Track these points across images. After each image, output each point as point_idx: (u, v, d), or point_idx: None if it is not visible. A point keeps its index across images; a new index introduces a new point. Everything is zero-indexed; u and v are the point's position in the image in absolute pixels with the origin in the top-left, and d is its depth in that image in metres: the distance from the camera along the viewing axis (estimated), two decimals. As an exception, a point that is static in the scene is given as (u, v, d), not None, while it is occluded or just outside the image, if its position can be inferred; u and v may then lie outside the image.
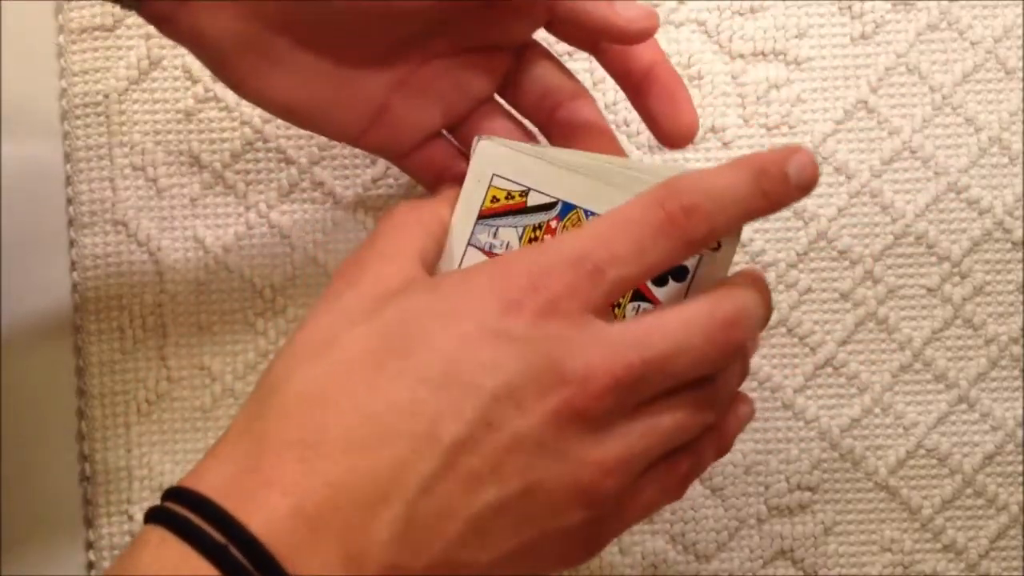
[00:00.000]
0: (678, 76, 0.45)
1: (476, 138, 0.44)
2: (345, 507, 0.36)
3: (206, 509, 0.36)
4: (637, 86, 0.45)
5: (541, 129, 0.48)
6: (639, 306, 0.43)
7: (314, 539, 0.36)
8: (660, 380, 0.39)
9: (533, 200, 0.43)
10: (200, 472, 0.38)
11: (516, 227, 0.43)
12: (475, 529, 0.37)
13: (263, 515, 0.36)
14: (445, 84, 0.46)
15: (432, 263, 0.42)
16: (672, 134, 0.45)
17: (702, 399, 0.41)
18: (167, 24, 0.43)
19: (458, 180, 0.46)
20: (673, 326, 0.39)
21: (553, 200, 0.43)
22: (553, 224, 0.43)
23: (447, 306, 0.38)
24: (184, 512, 0.36)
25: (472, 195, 0.43)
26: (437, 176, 0.48)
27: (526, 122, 0.48)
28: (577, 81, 0.47)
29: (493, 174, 0.43)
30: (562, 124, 0.47)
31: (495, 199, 0.43)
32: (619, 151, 0.46)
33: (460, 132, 0.48)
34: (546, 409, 0.38)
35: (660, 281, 0.43)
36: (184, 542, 0.36)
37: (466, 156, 0.49)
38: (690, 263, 0.42)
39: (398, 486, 0.37)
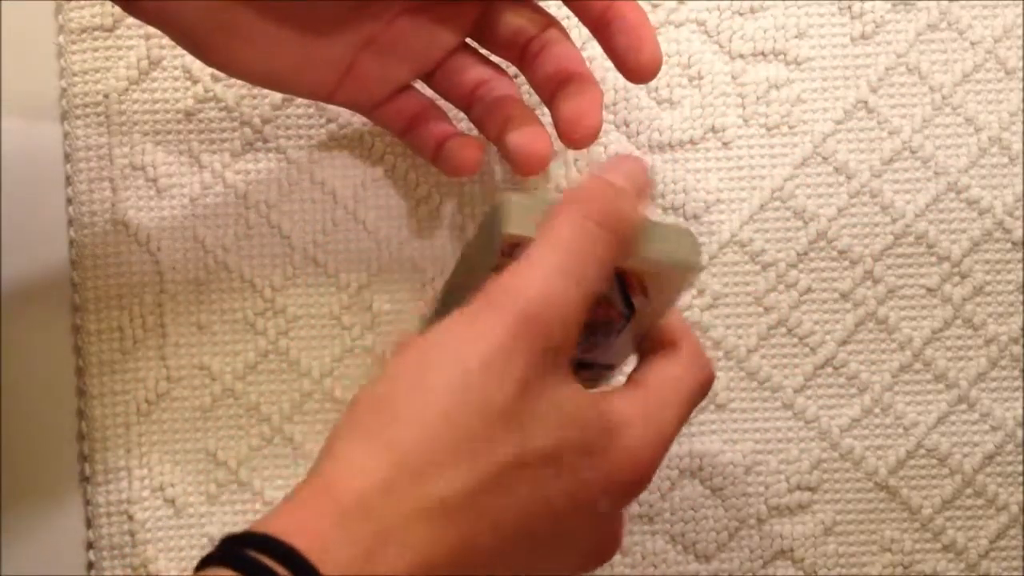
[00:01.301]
0: (640, 10, 0.45)
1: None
2: None
3: None
4: (597, 22, 0.45)
5: (518, 67, 0.48)
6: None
7: None
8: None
9: None
10: (322, 544, 0.35)
11: None
12: None
13: None
14: (413, 39, 0.46)
15: None
16: (634, 68, 0.45)
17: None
18: (133, 5, 0.43)
19: (427, 132, 0.48)
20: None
21: None
22: None
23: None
24: None
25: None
26: (407, 125, 0.49)
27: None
28: (546, 13, 0.47)
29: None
30: (535, 59, 0.47)
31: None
32: (592, 81, 0.46)
33: (434, 79, 0.49)
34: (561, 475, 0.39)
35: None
36: None
37: (438, 107, 0.50)
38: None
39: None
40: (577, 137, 0.46)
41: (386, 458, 0.36)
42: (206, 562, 0.35)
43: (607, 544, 0.41)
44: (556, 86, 0.46)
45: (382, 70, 0.47)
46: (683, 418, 0.41)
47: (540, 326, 0.37)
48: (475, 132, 0.50)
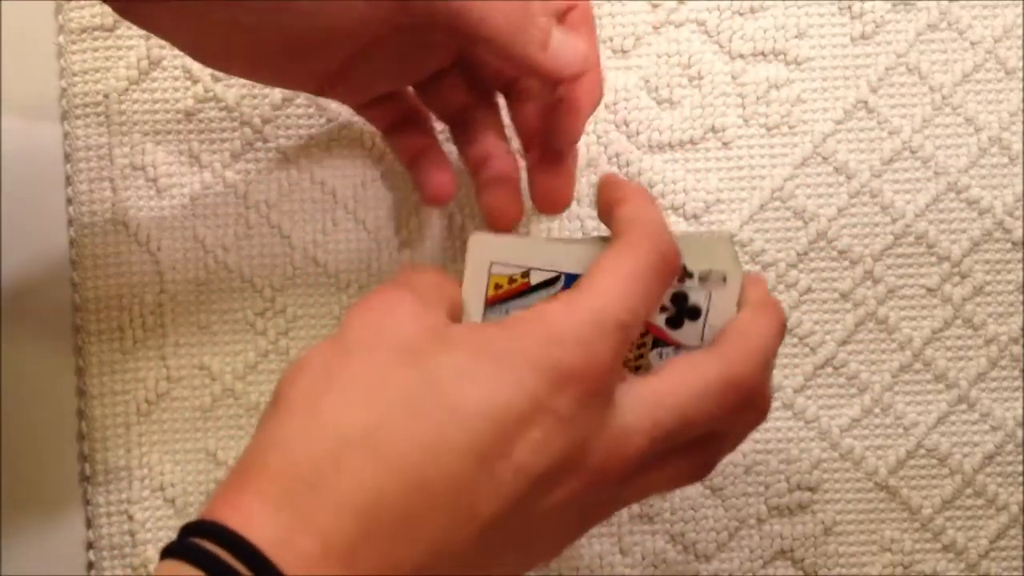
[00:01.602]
0: (591, 104, 0.46)
1: (471, 235, 0.44)
2: None
3: (261, 568, 0.35)
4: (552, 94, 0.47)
5: (504, 100, 0.49)
6: (661, 352, 0.44)
7: None
8: (669, 447, 0.41)
9: (536, 279, 0.43)
10: (246, 512, 0.36)
11: (527, 307, 0.43)
12: None
13: None
14: (402, 57, 0.46)
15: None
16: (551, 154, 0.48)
17: (703, 461, 0.43)
18: (126, 7, 0.44)
19: (405, 140, 0.50)
20: (685, 398, 0.40)
21: (556, 274, 0.43)
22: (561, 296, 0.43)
23: (498, 374, 0.38)
24: (236, 565, 0.35)
25: (474, 286, 0.43)
26: (390, 125, 0.50)
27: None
28: None
29: (491, 262, 0.43)
30: (517, 99, 0.48)
31: (498, 286, 0.43)
32: (576, 126, 0.47)
33: (420, 92, 0.50)
34: (573, 489, 0.39)
35: (676, 324, 0.43)
36: None
37: (423, 114, 0.50)
38: (702, 302, 0.43)
39: (434, 562, 0.37)
40: (549, 211, 0.49)
41: (289, 428, 0.38)
42: (166, 552, 0.37)
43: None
44: (534, 136, 0.48)
45: (369, 81, 0.47)
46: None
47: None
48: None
